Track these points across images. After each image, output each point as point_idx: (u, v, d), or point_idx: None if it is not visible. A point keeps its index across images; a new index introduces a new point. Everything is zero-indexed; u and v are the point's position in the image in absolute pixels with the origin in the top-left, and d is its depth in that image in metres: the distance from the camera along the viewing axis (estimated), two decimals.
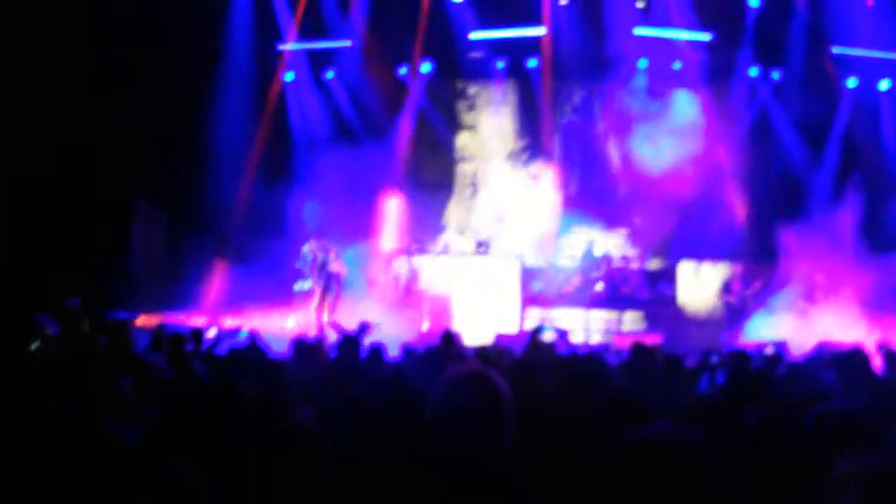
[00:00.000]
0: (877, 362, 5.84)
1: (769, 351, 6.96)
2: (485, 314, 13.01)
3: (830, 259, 12.00)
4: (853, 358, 4.73)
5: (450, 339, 6.68)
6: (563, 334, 9.04)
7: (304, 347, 6.34)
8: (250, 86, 14.52)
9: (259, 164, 14.19)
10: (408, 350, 7.04)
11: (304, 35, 14.98)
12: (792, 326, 11.24)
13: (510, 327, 12.54)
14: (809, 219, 12.66)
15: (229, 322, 10.41)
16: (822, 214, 12.71)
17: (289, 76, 15.21)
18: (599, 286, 13.23)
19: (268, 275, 12.11)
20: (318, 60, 15.20)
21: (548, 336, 7.32)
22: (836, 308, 11.61)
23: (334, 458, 3.48)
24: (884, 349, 5.96)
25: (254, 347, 5.99)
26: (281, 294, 12.19)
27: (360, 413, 4.33)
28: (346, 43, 14.80)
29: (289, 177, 13.75)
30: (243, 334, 6.71)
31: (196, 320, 10.68)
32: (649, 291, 13.24)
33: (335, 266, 12.05)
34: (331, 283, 12.02)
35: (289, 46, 15.02)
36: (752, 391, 4.25)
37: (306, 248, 12.07)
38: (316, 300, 12.00)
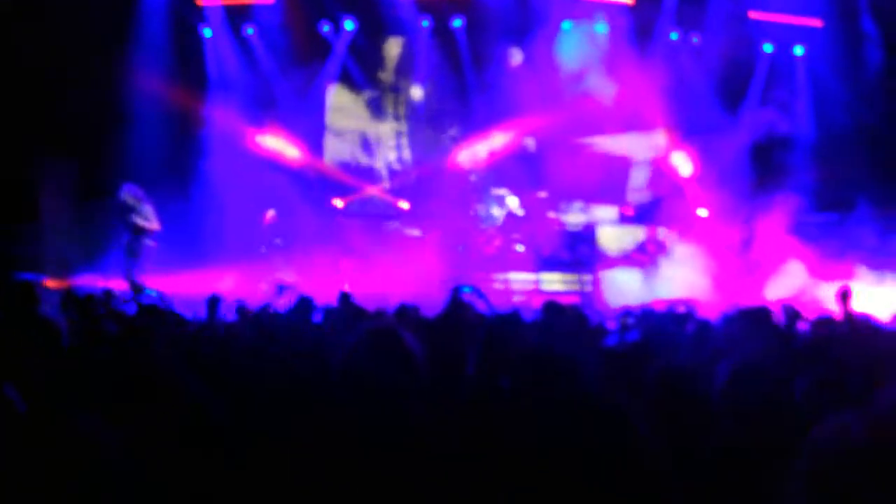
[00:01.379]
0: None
1: (681, 309, 7.14)
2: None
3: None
4: (757, 314, 4.89)
5: (346, 299, 6.66)
6: (482, 294, 9.10)
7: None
8: (167, 40, 14.07)
9: (176, 122, 13.79)
10: (327, 311, 6.99)
11: None
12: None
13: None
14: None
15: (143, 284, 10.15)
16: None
17: (207, 32, 14.76)
18: (520, 248, 13.35)
19: (183, 235, 11.83)
20: (238, 16, 14.79)
21: (467, 294, 7.36)
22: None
23: (241, 420, 3.43)
24: (785, 307, 6.18)
25: (162, 306, 5.86)
26: (197, 255, 11.87)
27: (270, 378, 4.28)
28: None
29: (206, 134, 13.43)
30: (151, 293, 6.56)
31: (107, 282, 10.37)
32: (570, 252, 13.42)
33: (141, 220, 10.82)
34: (134, 239, 10.83)
35: (207, 1, 14.56)
36: (661, 347, 4.35)
37: (121, 197, 10.87)
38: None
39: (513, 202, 14.07)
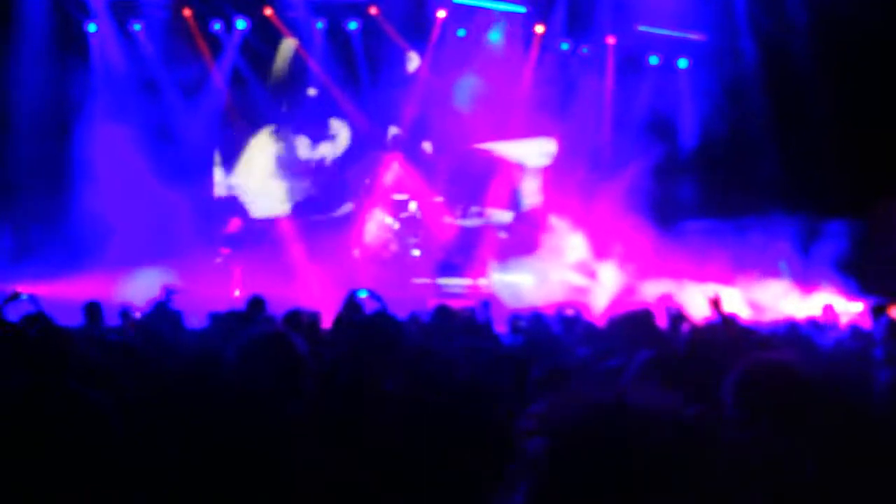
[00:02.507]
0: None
1: (569, 312, 7.31)
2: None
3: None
4: (639, 317, 5.03)
5: (257, 304, 6.54)
6: (378, 297, 9.11)
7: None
8: (48, 36, 13.48)
9: (58, 121, 13.23)
10: (213, 316, 6.83)
11: None
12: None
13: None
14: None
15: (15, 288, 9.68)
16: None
17: (92, 27, 14.21)
18: (416, 252, 13.39)
19: (64, 235, 11.36)
20: (125, 11, 14.27)
21: (363, 298, 7.34)
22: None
23: (128, 431, 3.32)
24: (669, 310, 6.39)
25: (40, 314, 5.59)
26: (77, 257, 11.40)
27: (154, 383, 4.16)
28: None
29: (90, 132, 12.92)
30: (23, 297, 6.25)
31: None
32: (465, 256, 13.54)
33: None
34: None
35: None
36: (546, 350, 4.45)
37: None
38: None
39: (411, 206, 14.08)
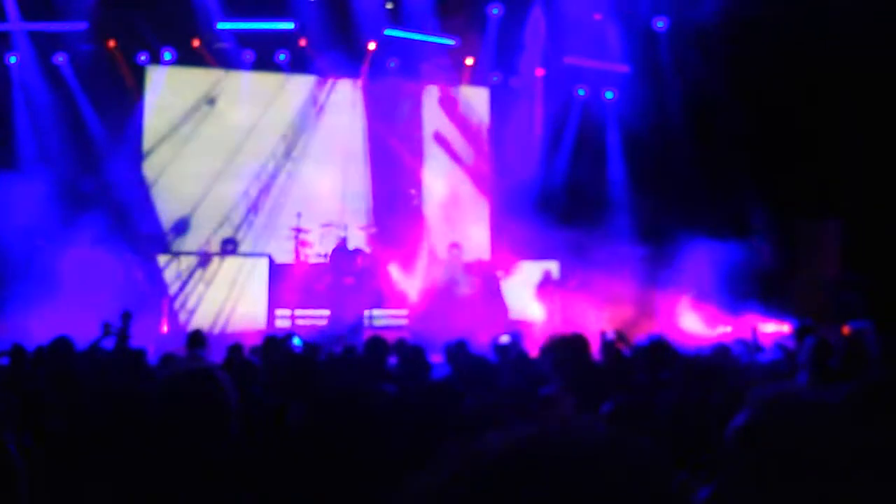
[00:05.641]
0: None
1: (504, 340, 7.32)
2: (232, 314, 12.58)
3: None
4: (569, 342, 5.05)
5: (198, 339, 6.41)
6: (313, 343, 9.04)
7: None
8: None
9: None
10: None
11: (30, 14, 13.67)
12: None
13: (258, 327, 12.27)
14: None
15: None
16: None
17: (12, 59, 13.82)
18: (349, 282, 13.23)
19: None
20: (48, 43, 13.92)
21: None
22: None
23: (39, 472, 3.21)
24: (603, 335, 6.47)
25: None
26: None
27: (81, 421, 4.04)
28: (80, 26, 13.70)
29: (14, 168, 12.59)
30: None
31: None
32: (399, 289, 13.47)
33: None
34: None
35: (11, 26, 13.64)
36: (478, 379, 4.44)
37: None
38: None
39: (345, 237, 13.90)
